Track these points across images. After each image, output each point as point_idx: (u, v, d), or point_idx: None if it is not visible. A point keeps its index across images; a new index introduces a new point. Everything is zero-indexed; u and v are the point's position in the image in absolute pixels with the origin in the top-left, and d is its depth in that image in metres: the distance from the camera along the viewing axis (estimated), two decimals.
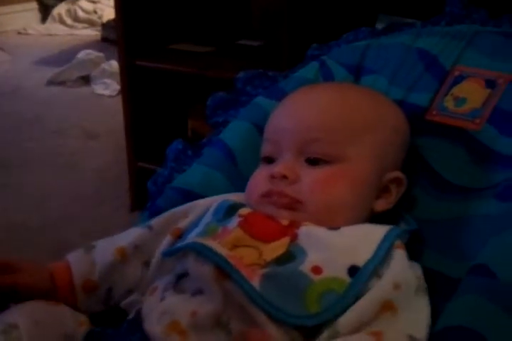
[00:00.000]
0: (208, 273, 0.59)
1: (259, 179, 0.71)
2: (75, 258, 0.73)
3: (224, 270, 0.59)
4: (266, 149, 0.74)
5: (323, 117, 0.71)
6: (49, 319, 0.64)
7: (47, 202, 1.98)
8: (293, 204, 0.68)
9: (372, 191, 0.70)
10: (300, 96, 0.77)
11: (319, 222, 0.66)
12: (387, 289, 0.60)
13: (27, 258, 0.75)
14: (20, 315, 0.63)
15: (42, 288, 0.70)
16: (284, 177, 0.68)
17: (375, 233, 0.65)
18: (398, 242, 0.65)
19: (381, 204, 0.71)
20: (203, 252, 0.60)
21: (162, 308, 0.60)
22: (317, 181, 0.68)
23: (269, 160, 0.73)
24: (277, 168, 0.69)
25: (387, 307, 0.59)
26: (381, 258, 0.62)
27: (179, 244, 0.66)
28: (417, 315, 0.61)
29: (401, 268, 0.63)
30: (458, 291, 0.62)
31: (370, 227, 0.67)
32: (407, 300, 0.61)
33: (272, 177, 0.69)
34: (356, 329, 0.57)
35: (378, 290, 0.60)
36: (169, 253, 0.67)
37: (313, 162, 0.69)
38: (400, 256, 0.63)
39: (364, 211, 0.70)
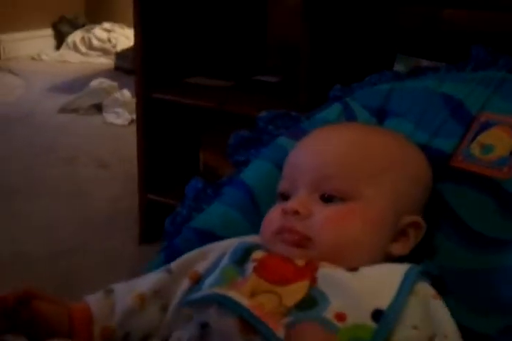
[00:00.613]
0: (233, 326, 0.57)
1: (273, 215, 0.71)
2: (95, 302, 0.71)
3: (249, 322, 0.57)
4: (282, 186, 0.73)
5: (340, 153, 0.71)
6: None
7: (55, 232, 1.96)
8: (302, 241, 0.66)
9: (387, 233, 0.69)
10: (319, 133, 0.76)
11: (333, 261, 0.65)
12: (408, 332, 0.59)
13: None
14: None
15: (57, 326, 0.67)
16: (296, 212, 0.67)
17: (395, 272, 0.64)
18: (433, 292, 0.64)
19: (398, 248, 0.69)
20: (225, 303, 0.59)
21: None
22: (328, 218, 0.67)
23: (285, 197, 0.72)
24: (290, 203, 0.69)
25: None
26: (404, 298, 0.61)
27: (198, 294, 0.64)
28: None
29: (450, 322, 0.62)
30: None
31: (389, 266, 0.66)
32: None
33: (285, 212, 0.68)
34: None
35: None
36: (190, 302, 0.65)
37: (327, 199, 0.68)
38: (442, 308, 0.62)
39: (379, 253, 0.68)
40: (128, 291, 0.72)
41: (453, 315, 0.64)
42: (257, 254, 0.68)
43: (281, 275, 0.64)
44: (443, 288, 0.68)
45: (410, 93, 0.85)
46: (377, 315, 0.59)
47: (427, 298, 0.63)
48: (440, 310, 0.62)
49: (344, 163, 0.69)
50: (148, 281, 0.73)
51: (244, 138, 0.90)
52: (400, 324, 0.59)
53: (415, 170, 0.73)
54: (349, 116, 0.87)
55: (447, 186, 0.76)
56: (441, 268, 0.70)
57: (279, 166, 0.83)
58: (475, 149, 0.77)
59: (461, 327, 0.65)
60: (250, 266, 0.66)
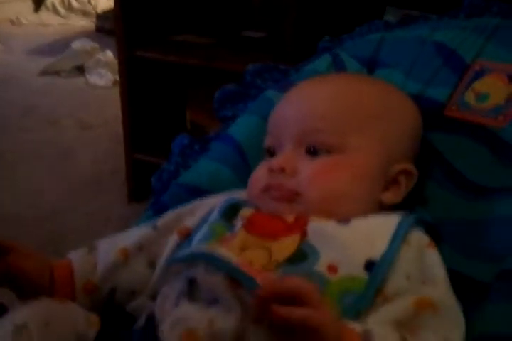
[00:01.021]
0: (220, 282, 0.56)
1: (259, 174, 0.69)
2: (77, 258, 0.70)
3: (236, 279, 0.55)
4: (267, 141, 0.72)
5: (323, 106, 0.69)
6: (59, 318, 0.60)
7: (41, 194, 1.94)
8: (292, 197, 0.65)
9: (377, 182, 0.67)
10: (303, 86, 0.74)
11: (323, 214, 0.64)
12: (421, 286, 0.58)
13: None
14: (30, 315, 0.59)
15: (38, 281, 0.66)
16: (282, 170, 0.66)
17: (388, 222, 0.63)
18: (428, 240, 0.63)
19: (389, 197, 0.68)
20: (212, 261, 0.57)
21: (176, 316, 0.57)
22: (315, 171, 0.65)
23: (271, 153, 0.70)
24: (275, 161, 0.67)
25: (426, 305, 0.56)
26: (397, 248, 0.60)
27: (186, 251, 0.63)
28: (455, 318, 0.58)
29: (440, 270, 0.61)
30: (490, 298, 0.60)
31: (381, 217, 0.65)
32: (446, 300, 0.58)
33: (271, 170, 0.67)
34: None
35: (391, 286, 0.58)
36: (177, 260, 0.64)
37: (312, 152, 0.67)
38: (436, 257, 0.61)
39: (371, 203, 0.67)
40: (111, 246, 0.71)
41: (448, 262, 0.64)
42: (245, 212, 0.67)
43: (270, 230, 0.63)
44: (437, 236, 0.67)
45: (401, 42, 0.83)
46: (369, 265, 0.58)
47: (420, 247, 0.62)
48: (432, 258, 0.61)
49: (329, 115, 0.68)
50: (131, 236, 0.71)
51: (231, 92, 0.88)
52: (392, 274, 0.59)
53: (403, 117, 0.71)
54: (339, 67, 0.84)
55: (441, 136, 0.74)
56: (435, 217, 0.69)
57: (267, 120, 0.81)
58: (469, 97, 0.75)
59: (457, 274, 0.64)
60: (239, 223, 0.65)
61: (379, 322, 0.55)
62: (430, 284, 0.59)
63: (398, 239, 0.61)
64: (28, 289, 0.66)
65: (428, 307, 0.56)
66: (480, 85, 0.75)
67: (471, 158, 0.71)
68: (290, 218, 0.64)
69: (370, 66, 0.84)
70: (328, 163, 0.66)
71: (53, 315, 0.60)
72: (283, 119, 0.70)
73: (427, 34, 0.82)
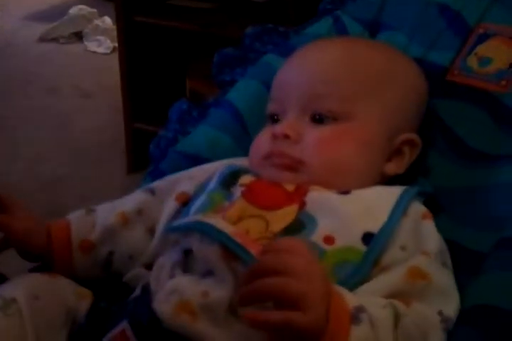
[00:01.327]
0: (216, 254, 0.55)
1: (262, 140, 0.68)
2: (74, 218, 0.70)
3: (231, 249, 0.54)
4: (270, 108, 0.70)
5: (329, 71, 0.67)
6: (49, 292, 0.61)
7: (40, 163, 1.94)
8: (294, 165, 0.64)
9: (381, 152, 0.66)
10: (307, 50, 0.72)
11: (325, 185, 0.63)
12: (415, 256, 0.57)
13: None
14: (19, 288, 0.59)
15: (36, 241, 0.67)
16: (286, 136, 0.64)
17: (388, 195, 0.62)
18: (425, 211, 0.62)
19: (392, 168, 0.67)
20: (206, 231, 0.56)
21: (171, 287, 0.57)
22: (320, 140, 0.64)
23: (274, 119, 0.69)
24: (279, 127, 0.65)
25: (418, 275, 0.55)
26: (396, 221, 0.59)
27: (181, 221, 0.62)
28: (449, 290, 0.57)
29: (434, 241, 0.59)
30: (486, 266, 0.59)
31: (382, 189, 0.64)
32: (439, 270, 0.58)
33: (274, 137, 0.65)
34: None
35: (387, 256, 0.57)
36: (173, 230, 0.63)
37: (318, 120, 0.65)
38: (431, 228, 0.60)
39: (373, 173, 0.66)
40: (110, 210, 0.70)
41: (446, 232, 0.63)
42: (245, 179, 0.66)
43: (269, 200, 0.62)
44: (436, 206, 0.66)
45: (404, 4, 0.81)
46: (367, 237, 0.57)
47: (417, 218, 0.61)
48: (427, 230, 0.60)
49: (335, 81, 0.66)
50: (130, 201, 0.71)
51: (230, 56, 0.86)
52: (389, 246, 0.58)
53: (410, 85, 0.69)
54: (340, 30, 0.83)
55: (442, 101, 0.73)
56: (435, 186, 0.68)
57: (267, 85, 0.80)
58: (472, 62, 0.73)
59: (455, 244, 0.64)
60: (238, 191, 0.64)
61: (372, 292, 0.54)
62: (424, 255, 0.58)
63: (398, 212, 0.60)
64: (26, 248, 0.66)
65: (420, 277, 0.55)
66: (483, 49, 0.73)
67: (472, 124, 0.70)
68: (290, 187, 0.63)
69: (373, 28, 0.82)
70: (334, 131, 0.64)
71: (43, 289, 0.60)
72: (287, 84, 0.68)
73: None
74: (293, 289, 0.47)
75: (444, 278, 0.58)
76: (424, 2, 0.79)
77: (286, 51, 0.81)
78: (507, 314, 0.53)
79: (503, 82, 0.70)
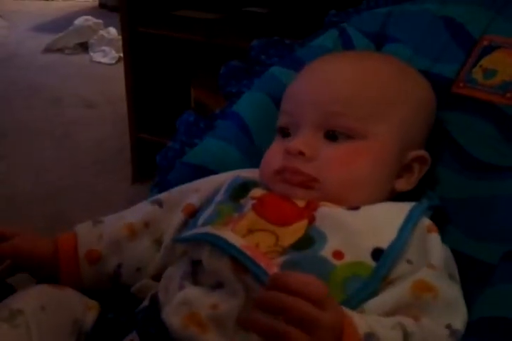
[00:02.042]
0: (226, 267, 0.55)
1: (273, 154, 0.67)
2: (81, 229, 0.70)
3: (241, 262, 0.55)
4: (282, 121, 0.69)
5: (346, 89, 0.66)
6: (55, 303, 0.61)
7: (45, 173, 1.94)
8: (308, 183, 0.63)
9: (393, 170, 0.66)
10: (321, 65, 0.71)
11: (336, 201, 0.62)
12: (422, 269, 0.57)
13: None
14: (26, 300, 0.60)
15: (43, 255, 0.67)
16: (301, 153, 0.64)
17: (398, 211, 0.62)
18: (429, 224, 0.61)
19: (402, 184, 0.67)
20: (217, 244, 0.56)
21: (180, 299, 0.57)
22: (336, 158, 0.63)
23: (285, 133, 0.68)
24: (293, 144, 0.64)
25: (424, 288, 0.55)
26: (406, 238, 0.59)
27: (191, 232, 0.62)
28: (456, 302, 0.57)
29: (439, 253, 0.59)
30: (493, 278, 0.58)
31: (391, 206, 0.64)
32: (445, 282, 0.57)
33: (288, 152, 0.64)
34: (387, 315, 0.54)
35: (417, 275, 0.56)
36: (182, 241, 0.64)
37: (333, 137, 0.64)
38: (436, 240, 0.60)
39: (384, 190, 0.66)
40: (117, 221, 0.71)
41: (453, 243, 0.63)
42: (256, 192, 0.66)
43: (280, 214, 0.62)
44: (444, 218, 0.66)
45: (410, 17, 0.81)
46: (376, 253, 0.57)
47: (423, 231, 0.61)
48: (433, 242, 0.60)
49: (351, 100, 0.65)
50: (137, 212, 0.71)
51: (236, 68, 0.86)
52: (398, 261, 0.58)
53: (421, 102, 0.69)
54: (346, 42, 0.83)
55: (448, 114, 0.73)
56: (443, 198, 0.68)
57: (272, 97, 0.80)
58: (477, 74, 0.73)
59: (463, 256, 0.64)
60: (249, 203, 0.64)
61: (379, 306, 0.54)
62: (430, 268, 0.58)
63: (408, 228, 0.60)
64: (33, 261, 0.67)
65: (426, 290, 0.55)
66: (488, 61, 0.73)
67: (478, 136, 0.70)
68: (301, 202, 0.63)
69: (378, 41, 0.82)
70: (350, 149, 0.64)
71: (50, 300, 0.61)
72: (301, 100, 0.67)
73: (436, 8, 0.80)
74: (310, 311, 0.47)
75: (450, 291, 0.58)
76: (429, 15, 0.80)
77: (292, 63, 0.82)
78: None
79: (508, 94, 0.70)
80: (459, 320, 0.56)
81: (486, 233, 0.65)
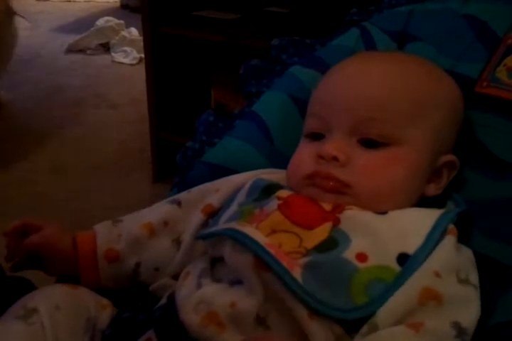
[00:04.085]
0: (247, 263, 0.55)
1: (304, 158, 0.66)
2: (101, 228, 0.71)
3: (263, 260, 0.54)
4: (312, 125, 0.67)
5: (382, 94, 0.64)
6: (70, 302, 0.62)
7: (67, 174, 1.96)
8: (341, 188, 0.62)
9: (425, 176, 0.65)
10: (354, 67, 0.69)
11: (366, 207, 0.61)
12: (428, 276, 0.55)
13: None
14: (41, 299, 0.60)
15: (65, 251, 0.68)
16: (334, 158, 0.62)
17: (426, 218, 0.60)
18: (451, 227, 0.60)
19: (432, 189, 0.66)
20: (240, 240, 0.56)
21: (199, 297, 0.57)
22: (371, 166, 0.62)
23: (315, 137, 0.67)
24: (327, 148, 0.63)
25: (430, 296, 0.54)
26: (433, 245, 0.57)
27: (215, 229, 0.62)
28: (466, 304, 0.56)
29: (445, 255, 0.57)
30: None
31: (420, 211, 0.62)
32: (453, 288, 0.56)
33: (320, 157, 0.63)
34: (397, 322, 0.53)
35: (417, 278, 0.55)
36: (204, 237, 0.63)
37: (368, 144, 0.63)
38: (448, 242, 0.58)
39: (414, 196, 0.65)
40: (136, 220, 0.71)
41: (475, 245, 0.62)
42: (283, 193, 0.64)
43: (305, 217, 0.61)
44: (468, 220, 0.65)
45: (432, 15, 0.80)
46: (403, 258, 0.56)
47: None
48: (445, 246, 0.58)
49: (387, 105, 0.63)
50: (157, 212, 0.71)
51: (256, 67, 0.86)
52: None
53: (453, 107, 0.68)
54: (367, 42, 0.82)
55: (472, 114, 0.72)
56: (467, 200, 0.66)
57: (293, 97, 0.80)
58: (501, 73, 0.72)
59: (487, 259, 0.62)
60: (275, 203, 0.63)
61: (388, 313, 0.53)
62: (436, 275, 0.56)
63: (435, 235, 0.58)
64: (52, 259, 0.67)
65: (432, 298, 0.54)
66: None
67: (502, 136, 0.69)
68: (328, 206, 0.62)
69: (401, 40, 0.81)
70: (385, 157, 0.62)
71: (64, 299, 0.61)
72: (332, 104, 0.66)
73: (459, 6, 0.79)
74: None
75: (458, 294, 0.56)
76: (451, 13, 0.78)
77: (313, 63, 0.81)
78: None
79: None
80: (467, 318, 0.54)
81: (506, 234, 0.63)
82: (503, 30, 0.74)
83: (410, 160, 0.63)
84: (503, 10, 0.76)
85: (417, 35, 0.79)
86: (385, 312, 0.53)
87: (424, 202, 0.65)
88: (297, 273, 0.54)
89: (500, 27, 0.75)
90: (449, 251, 0.58)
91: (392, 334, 0.52)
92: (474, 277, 0.58)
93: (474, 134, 0.71)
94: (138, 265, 0.69)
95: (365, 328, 0.53)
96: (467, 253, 0.60)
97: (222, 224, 0.64)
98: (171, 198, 0.73)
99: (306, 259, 0.56)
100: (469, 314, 0.55)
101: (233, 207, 0.66)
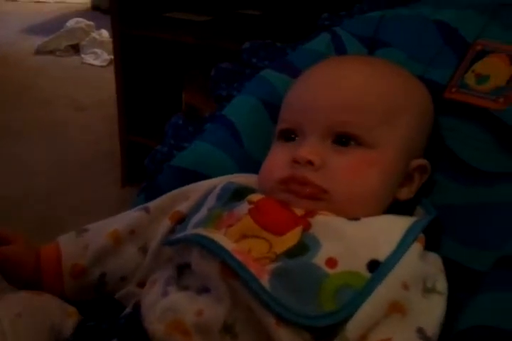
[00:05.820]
0: (214, 270, 0.54)
1: (278, 162, 0.65)
2: (65, 241, 0.69)
3: (231, 267, 0.53)
4: (284, 126, 0.67)
5: (355, 98, 0.64)
6: (33, 310, 0.60)
7: (33, 175, 1.93)
8: (317, 194, 0.61)
9: (398, 180, 0.65)
10: (326, 71, 0.69)
11: (339, 212, 0.61)
12: (396, 289, 0.55)
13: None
14: (2, 306, 0.59)
15: (26, 269, 0.66)
16: (309, 162, 0.61)
17: (398, 225, 0.60)
18: (420, 235, 0.60)
19: (404, 193, 0.66)
20: (207, 246, 0.55)
21: (164, 305, 0.55)
22: (346, 168, 0.62)
23: (288, 137, 0.66)
24: (302, 152, 0.62)
25: (395, 308, 0.54)
26: (404, 252, 0.57)
27: (181, 234, 0.61)
28: (429, 313, 0.56)
29: (412, 265, 0.57)
30: (483, 286, 0.57)
31: (392, 218, 0.62)
32: (418, 299, 0.56)
33: (295, 161, 0.62)
34: (364, 335, 0.52)
35: (385, 289, 0.54)
36: (170, 243, 0.62)
37: (342, 143, 0.63)
38: (415, 250, 0.58)
39: (388, 200, 0.65)
40: (101, 230, 0.69)
41: (447, 251, 0.62)
42: (254, 197, 0.63)
43: (276, 222, 0.60)
44: (437, 226, 0.65)
45: (403, 21, 0.80)
46: (373, 265, 0.55)
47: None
48: (410, 256, 0.57)
49: (361, 109, 0.63)
50: (123, 220, 0.70)
51: (227, 70, 0.85)
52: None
53: (423, 108, 0.68)
54: (338, 47, 0.82)
55: (441, 119, 0.72)
56: (437, 205, 0.67)
57: (264, 101, 0.79)
58: (470, 79, 0.72)
59: (455, 264, 0.62)
60: (245, 207, 0.61)
61: (357, 324, 0.53)
62: (403, 286, 0.55)
63: (407, 242, 0.58)
64: (14, 274, 0.66)
65: (397, 311, 0.54)
66: (480, 66, 0.72)
67: (471, 141, 0.69)
68: (300, 211, 0.61)
69: (371, 45, 0.81)
70: (359, 159, 0.62)
71: (26, 307, 0.60)
72: (305, 108, 0.65)
73: (429, 13, 0.79)
74: None
75: (425, 306, 0.56)
76: (422, 19, 0.79)
77: (284, 67, 0.81)
78: (508, 335, 0.52)
79: (501, 99, 0.69)
80: (431, 326, 0.54)
81: (479, 240, 0.64)
82: (473, 36, 0.75)
83: (384, 164, 0.63)
84: (472, 17, 0.76)
85: (388, 41, 0.79)
86: (353, 325, 0.52)
87: (394, 206, 0.65)
88: (265, 280, 0.53)
89: (469, 33, 0.75)
90: (416, 260, 0.58)
91: None
92: (441, 284, 0.58)
93: (443, 140, 0.71)
94: (103, 276, 0.68)
95: None
96: (435, 260, 0.60)
97: (190, 229, 0.63)
98: (141, 206, 0.71)
99: (274, 265, 0.55)
100: (432, 320, 0.55)
101: (203, 212, 0.65)
